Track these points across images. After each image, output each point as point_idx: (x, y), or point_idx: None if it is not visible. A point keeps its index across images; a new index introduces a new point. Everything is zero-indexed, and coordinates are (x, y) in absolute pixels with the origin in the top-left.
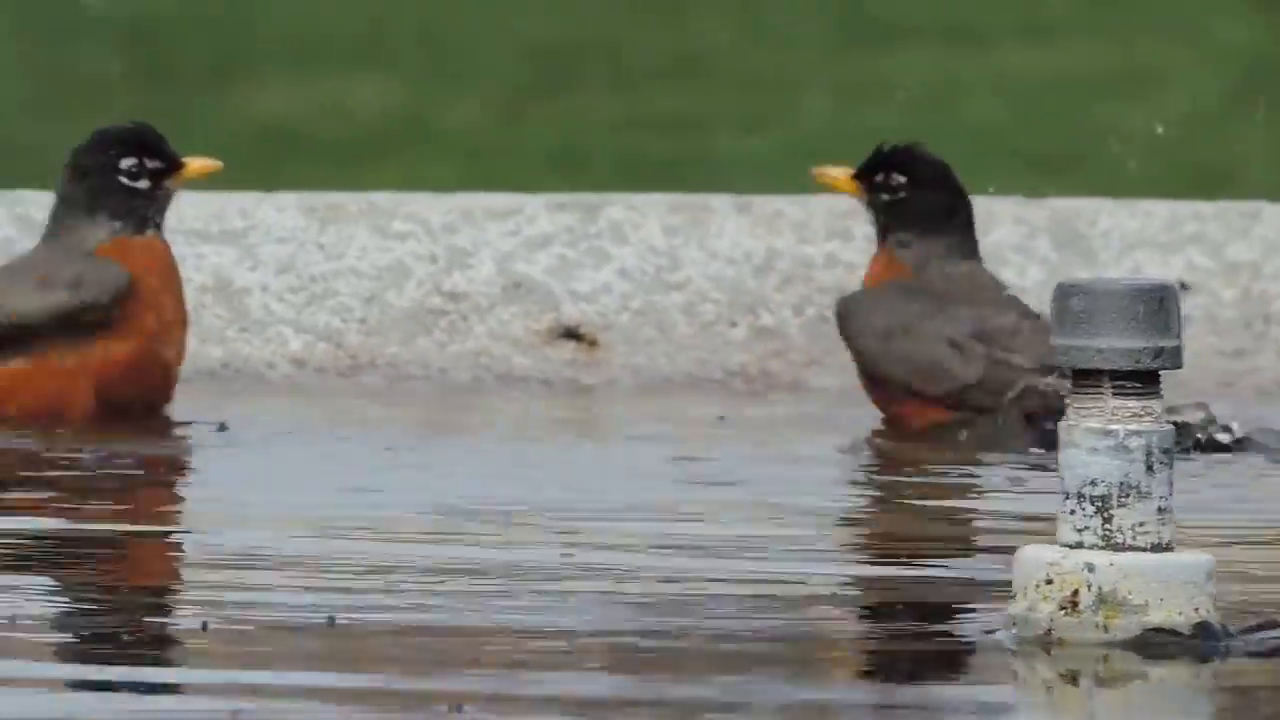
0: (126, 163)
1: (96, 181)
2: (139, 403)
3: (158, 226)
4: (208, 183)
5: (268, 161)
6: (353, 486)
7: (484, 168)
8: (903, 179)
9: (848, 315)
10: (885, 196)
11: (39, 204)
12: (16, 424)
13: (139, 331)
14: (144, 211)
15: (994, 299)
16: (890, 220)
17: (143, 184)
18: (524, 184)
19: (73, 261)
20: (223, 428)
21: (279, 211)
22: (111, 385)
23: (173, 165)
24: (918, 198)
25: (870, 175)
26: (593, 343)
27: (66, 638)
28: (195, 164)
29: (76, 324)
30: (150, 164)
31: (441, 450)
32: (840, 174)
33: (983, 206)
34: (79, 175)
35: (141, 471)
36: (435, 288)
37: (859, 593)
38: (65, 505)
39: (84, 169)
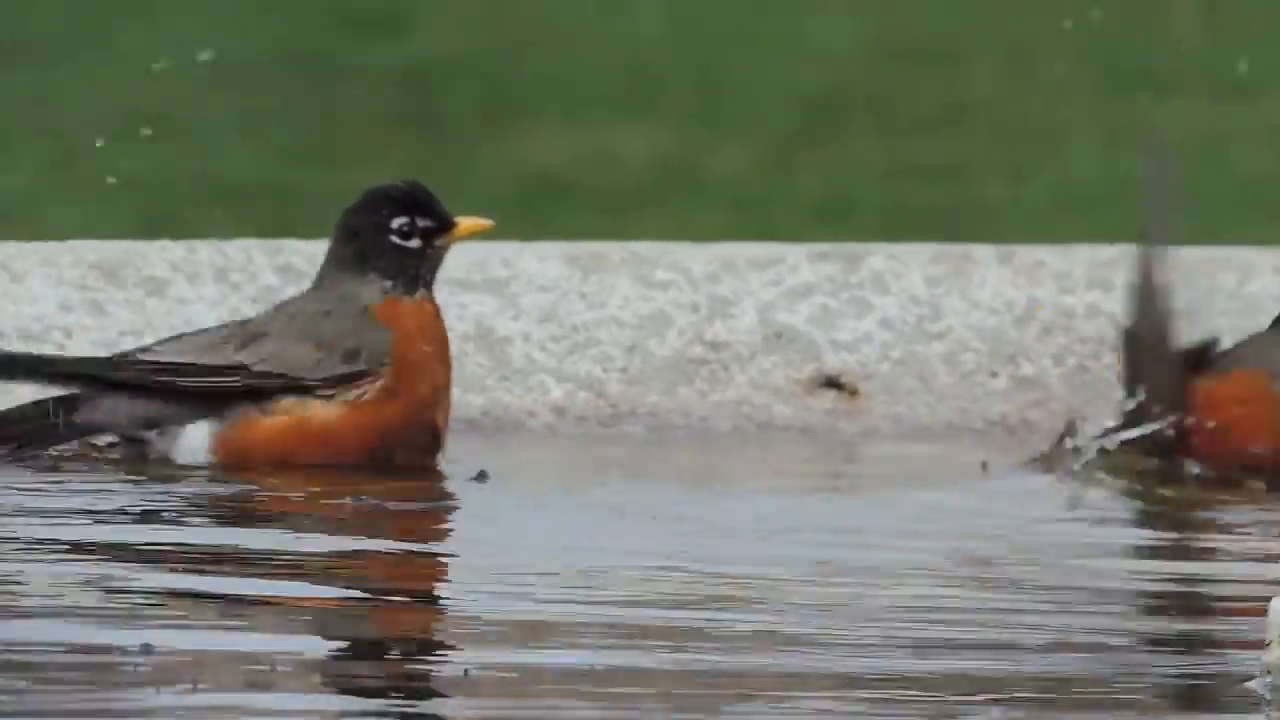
0: (398, 222)
1: (368, 241)
2: (406, 459)
3: (428, 285)
4: (487, 234)
5: (535, 210)
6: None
7: (750, 217)
8: None
9: None
10: None
11: (303, 254)
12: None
13: (409, 396)
14: (415, 271)
15: None
16: None
17: (414, 243)
18: (789, 233)
19: (349, 322)
20: (482, 476)
21: (541, 261)
22: (380, 448)
23: (444, 224)
24: None
25: None
26: (853, 391)
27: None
28: (467, 223)
29: (349, 387)
30: (422, 223)
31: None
32: None
33: (1241, 257)
34: (350, 235)
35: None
36: (697, 337)
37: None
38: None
39: (355, 228)
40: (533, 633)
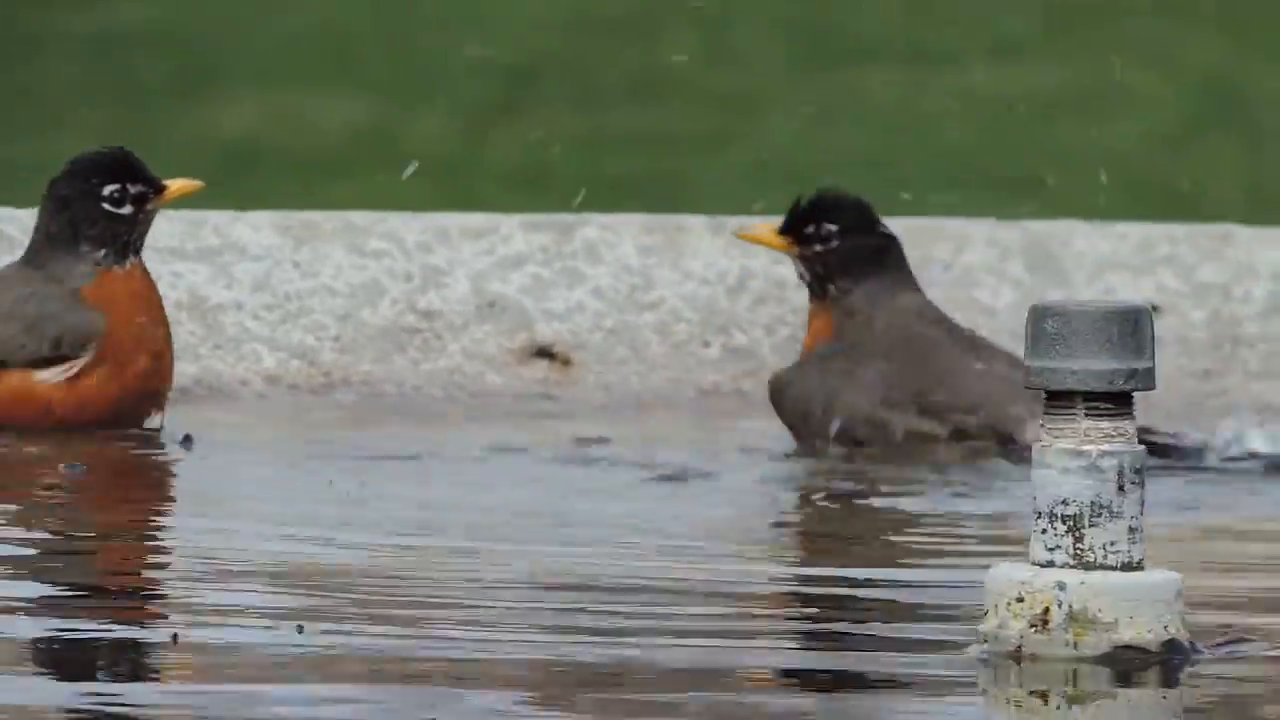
0: (109, 189)
1: (78, 211)
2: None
3: (137, 251)
4: (183, 201)
5: (233, 178)
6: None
7: (449, 186)
8: (833, 227)
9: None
10: (818, 247)
11: (17, 222)
12: None
13: (127, 370)
14: (127, 237)
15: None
16: (827, 270)
17: (127, 210)
18: (489, 203)
19: (56, 306)
20: (188, 441)
21: (254, 230)
22: (99, 416)
23: (156, 188)
24: (850, 242)
25: (798, 228)
26: (566, 361)
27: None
28: (177, 185)
29: (59, 367)
30: (133, 188)
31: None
32: (766, 231)
33: (956, 228)
34: (59, 205)
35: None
36: (410, 306)
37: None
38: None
39: (64, 198)
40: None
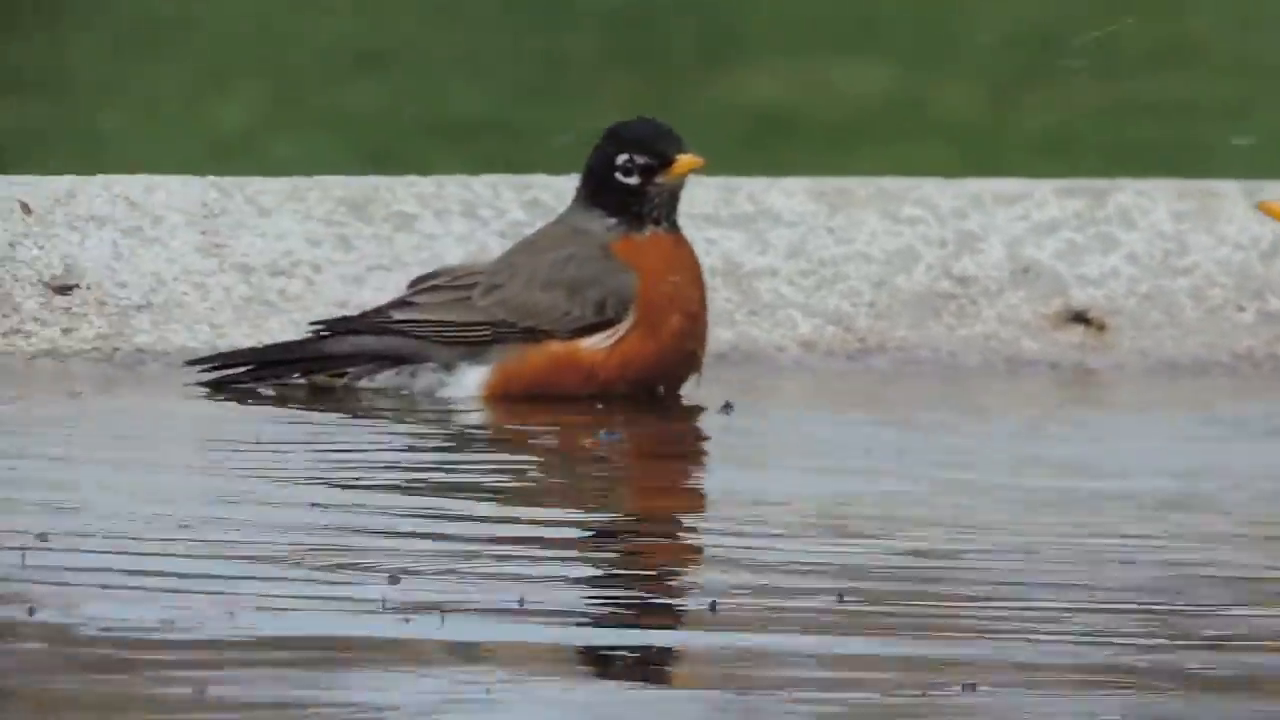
0: (620, 159)
1: (595, 178)
2: (665, 386)
3: (657, 222)
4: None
5: (759, 146)
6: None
7: (974, 153)
8: None
9: None
10: None
11: (551, 189)
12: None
13: (663, 331)
14: (638, 208)
15: None
16: None
17: (633, 180)
18: (1015, 170)
19: (595, 269)
20: (728, 408)
21: (787, 196)
22: (639, 379)
23: (664, 161)
24: None
25: None
26: (1101, 326)
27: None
28: (684, 159)
29: (602, 334)
30: (640, 160)
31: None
32: None
33: None
34: (588, 173)
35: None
36: (944, 272)
37: None
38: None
39: (591, 167)
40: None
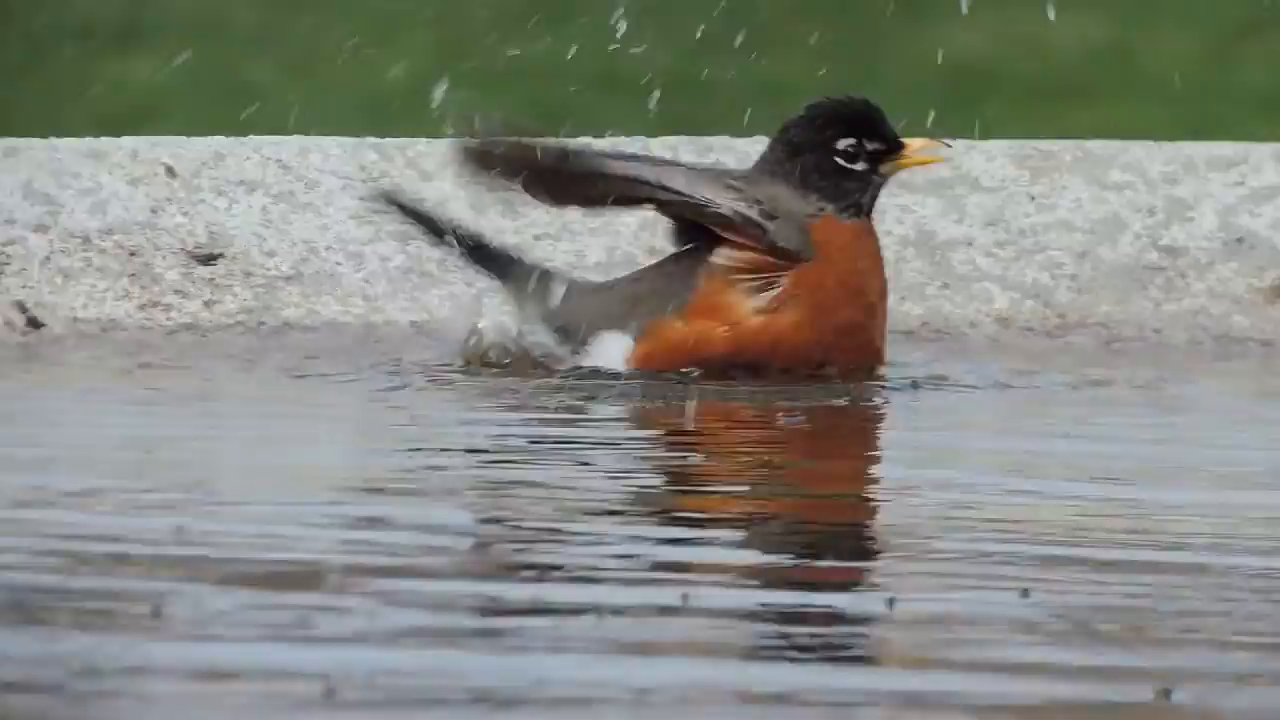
0: (844, 143)
1: (810, 159)
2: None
3: (868, 213)
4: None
5: (957, 102)
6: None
7: (1189, 112)
8: None
9: None
10: None
11: (734, 151)
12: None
13: (827, 317)
14: (858, 196)
15: None
16: None
17: (860, 166)
18: (1233, 131)
19: (789, 226)
20: (914, 385)
21: (987, 160)
22: (790, 358)
23: (893, 148)
24: None
25: None
26: None
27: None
28: (916, 146)
29: (777, 278)
30: (869, 145)
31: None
32: None
33: None
34: (791, 150)
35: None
36: (1152, 242)
37: None
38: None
39: (797, 144)
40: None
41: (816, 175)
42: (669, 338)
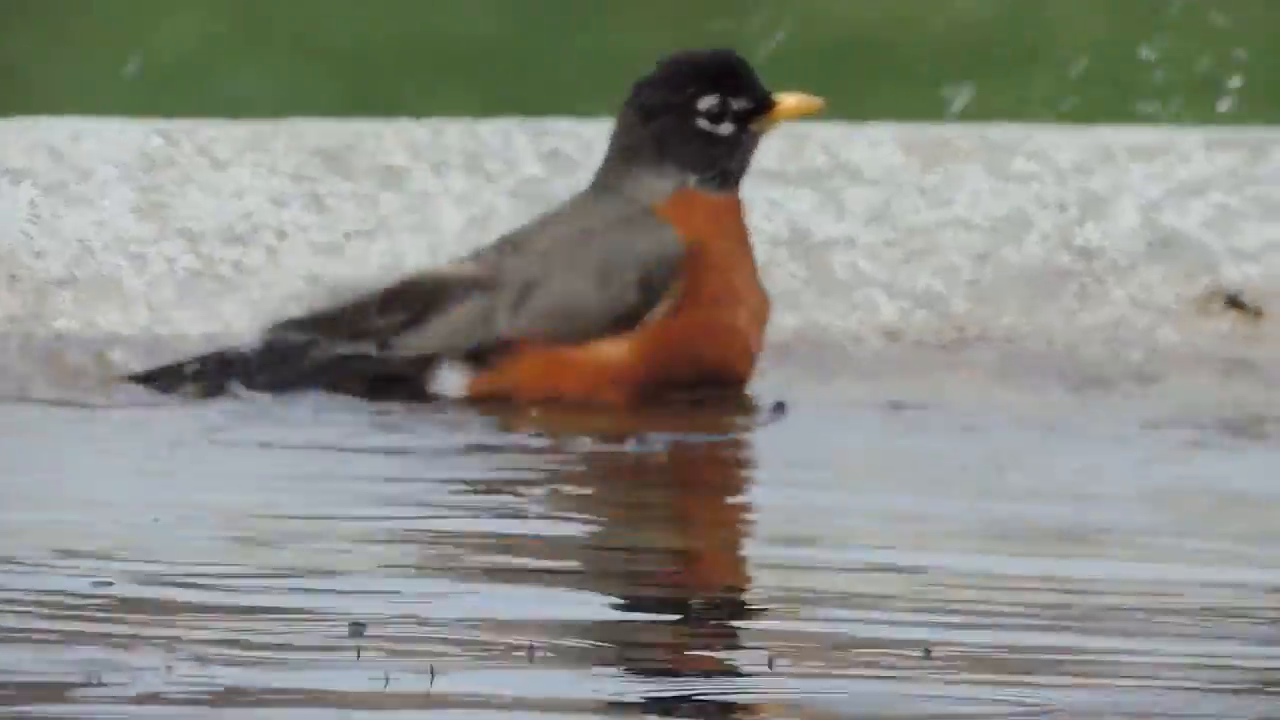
0: (706, 102)
1: (666, 125)
2: (707, 383)
3: (736, 182)
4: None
5: (844, 79)
6: None
7: (1109, 90)
8: None
9: None
10: None
11: (576, 138)
12: (545, 410)
13: (708, 307)
14: (725, 164)
15: None
16: None
17: (726, 129)
18: (1158, 112)
19: (630, 236)
20: (780, 408)
21: (872, 147)
22: (673, 368)
23: (763, 104)
24: None
25: None
26: (1258, 312)
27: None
28: (790, 101)
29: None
30: (736, 104)
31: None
32: None
33: None
34: (644, 116)
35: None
36: (1064, 243)
37: None
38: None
39: (650, 108)
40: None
41: (675, 142)
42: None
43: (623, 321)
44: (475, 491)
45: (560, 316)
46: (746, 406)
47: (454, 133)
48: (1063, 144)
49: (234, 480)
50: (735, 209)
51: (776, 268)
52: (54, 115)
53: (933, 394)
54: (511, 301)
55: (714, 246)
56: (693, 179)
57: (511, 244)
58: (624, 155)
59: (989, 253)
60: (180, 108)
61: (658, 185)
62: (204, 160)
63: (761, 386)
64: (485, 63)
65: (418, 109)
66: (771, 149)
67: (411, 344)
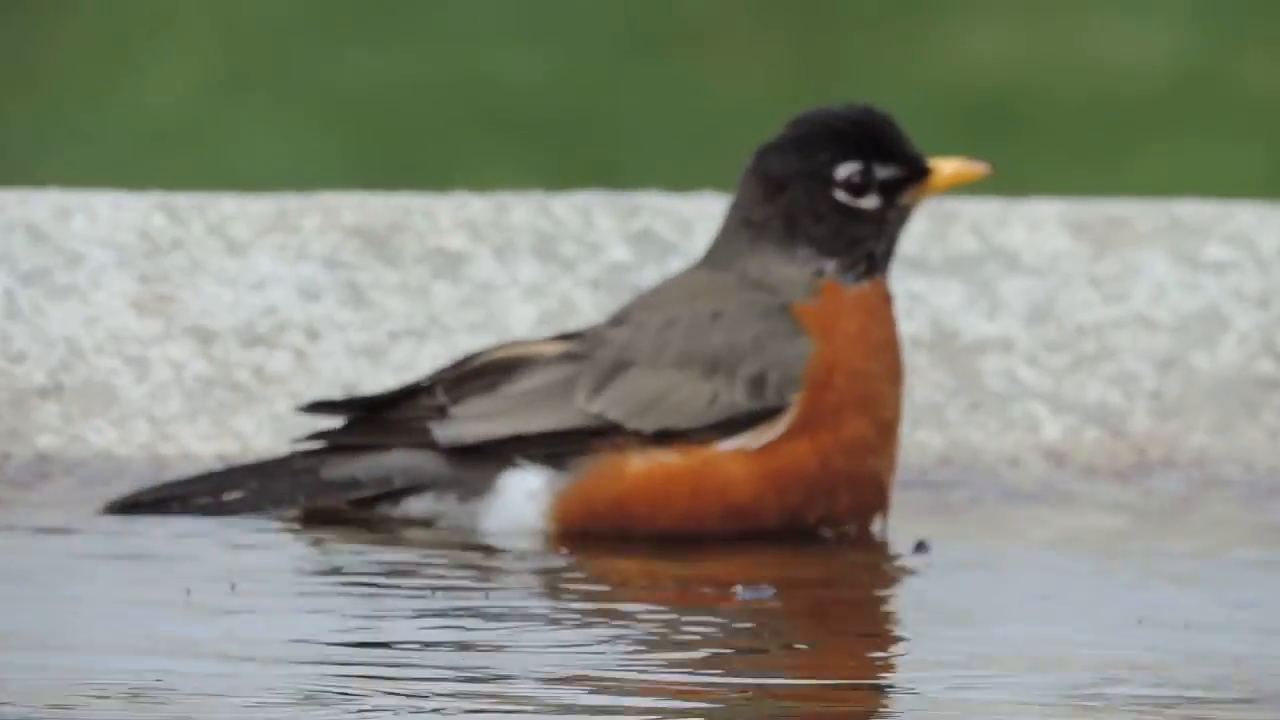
0: (846, 170)
1: (797, 198)
2: (834, 521)
3: (884, 267)
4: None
5: (973, 138)
6: None
7: None
8: None
9: None
10: None
11: (669, 216)
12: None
13: (832, 436)
14: (870, 245)
15: None
16: None
17: (870, 202)
18: None
19: (754, 327)
20: (922, 548)
21: (1031, 228)
22: (792, 506)
23: (915, 172)
24: None
25: None
26: None
27: None
28: (949, 168)
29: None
30: (882, 172)
31: None
32: None
33: None
34: (770, 188)
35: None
36: (1266, 346)
37: None
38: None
39: (777, 178)
40: None
41: (808, 219)
42: (616, 485)
43: (722, 427)
44: None
45: (648, 402)
46: (875, 544)
47: (522, 209)
48: (1268, 225)
49: None
50: (885, 304)
51: (917, 375)
52: (33, 187)
53: (1110, 530)
54: (595, 378)
55: (853, 365)
56: (830, 265)
57: (618, 318)
58: (746, 233)
59: (1175, 358)
60: (181, 175)
61: (788, 272)
62: (217, 242)
63: (898, 521)
64: (548, 119)
65: (474, 178)
66: (910, 230)
67: (471, 424)
